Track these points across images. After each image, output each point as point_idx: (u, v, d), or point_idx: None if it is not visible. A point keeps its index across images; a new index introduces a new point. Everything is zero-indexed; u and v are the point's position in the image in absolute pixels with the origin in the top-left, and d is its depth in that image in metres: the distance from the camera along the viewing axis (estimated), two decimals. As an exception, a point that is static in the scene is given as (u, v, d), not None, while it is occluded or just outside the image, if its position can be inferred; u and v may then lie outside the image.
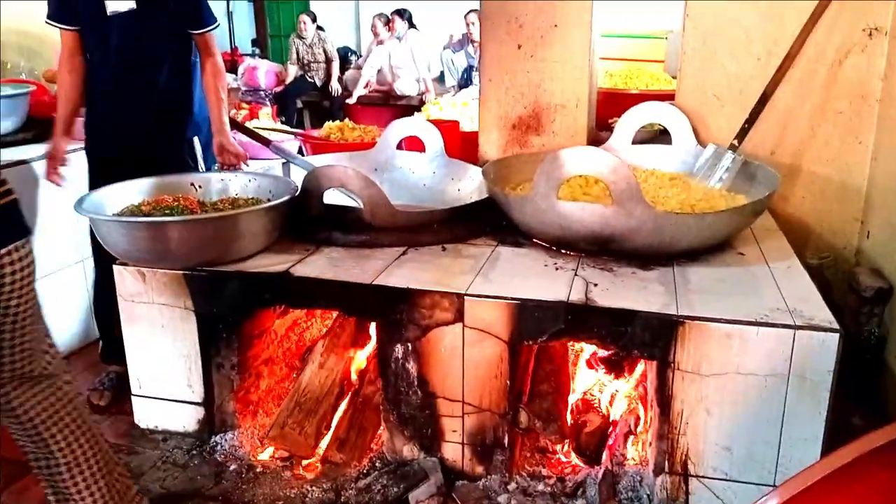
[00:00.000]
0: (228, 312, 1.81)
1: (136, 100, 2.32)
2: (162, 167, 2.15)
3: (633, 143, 2.39)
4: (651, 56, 6.21)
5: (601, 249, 1.76)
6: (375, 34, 7.02)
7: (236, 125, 2.53)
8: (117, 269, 1.83)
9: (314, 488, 1.72)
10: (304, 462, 1.80)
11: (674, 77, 3.72)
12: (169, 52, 2.30)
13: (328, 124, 3.72)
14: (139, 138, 2.28)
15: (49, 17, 2.30)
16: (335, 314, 2.10)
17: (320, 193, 1.91)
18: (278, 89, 7.19)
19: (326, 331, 2.08)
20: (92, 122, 2.38)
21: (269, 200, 1.92)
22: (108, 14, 2.23)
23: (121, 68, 2.29)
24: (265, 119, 5.31)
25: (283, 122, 5.93)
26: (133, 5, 2.22)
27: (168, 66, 2.30)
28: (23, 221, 1.45)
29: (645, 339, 1.50)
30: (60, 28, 2.30)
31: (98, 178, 2.26)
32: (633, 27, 6.12)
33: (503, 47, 2.53)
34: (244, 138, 2.60)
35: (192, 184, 2.05)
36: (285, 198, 1.84)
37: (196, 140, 2.38)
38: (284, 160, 2.41)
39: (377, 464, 1.77)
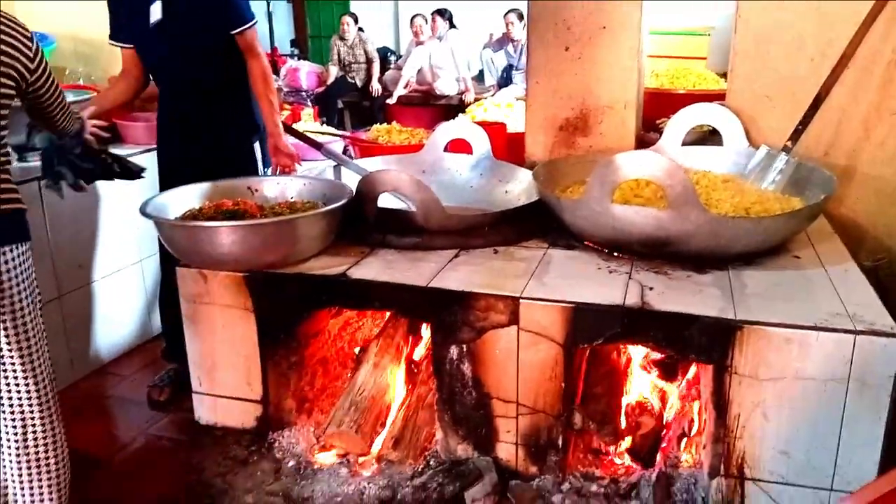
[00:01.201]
0: (287, 313, 1.86)
1: (193, 106, 2.40)
2: (226, 169, 2.22)
3: (683, 144, 2.39)
4: (694, 53, 6.15)
5: (655, 253, 1.77)
6: (416, 34, 7.06)
7: (288, 129, 2.59)
8: (180, 272, 1.89)
9: (371, 485, 1.76)
10: (360, 459, 1.84)
11: (717, 73, 3.71)
12: (213, 57, 2.36)
13: (376, 127, 3.78)
14: (202, 142, 2.37)
15: (111, 38, 2.43)
16: (387, 314, 2.14)
17: (374, 197, 1.95)
18: (319, 90, 7.28)
19: (380, 331, 2.12)
20: (161, 126, 2.49)
21: (324, 203, 1.97)
22: (150, 26, 2.33)
23: (174, 76, 2.39)
24: (307, 120, 5.40)
25: (324, 123, 6.02)
26: (160, 16, 2.31)
27: (215, 71, 2.38)
28: (24, 228, 1.68)
29: (702, 344, 1.51)
30: (119, 47, 2.42)
31: (167, 178, 2.37)
32: (675, 24, 6.08)
33: (550, 49, 2.54)
34: (293, 140, 2.66)
35: (249, 187, 2.11)
36: (342, 201, 1.88)
37: (256, 143, 2.47)
38: (336, 163, 2.46)
39: (432, 462, 1.81)
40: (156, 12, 2.32)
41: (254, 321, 1.86)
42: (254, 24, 2.42)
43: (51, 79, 1.74)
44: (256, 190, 2.11)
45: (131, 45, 2.41)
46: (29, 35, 1.67)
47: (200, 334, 1.93)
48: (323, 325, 2.09)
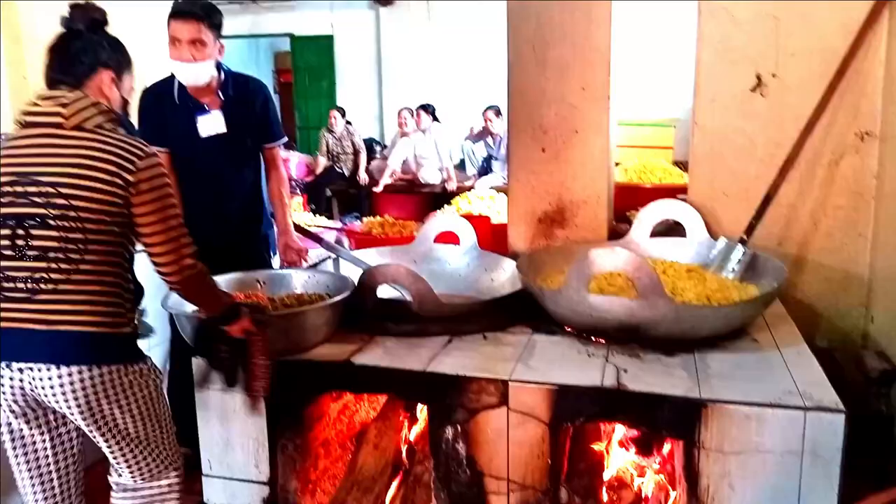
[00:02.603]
0: (295, 398, 2.02)
1: (220, 205, 2.67)
2: (243, 258, 2.52)
3: (651, 235, 2.63)
4: (661, 143, 6.58)
5: (629, 337, 1.96)
6: (401, 126, 7.44)
7: (296, 226, 2.85)
8: (195, 361, 2.05)
9: (372, 561, 1.88)
10: (362, 537, 1.96)
11: (683, 161, 4.01)
12: (247, 165, 2.69)
13: (369, 220, 4.01)
14: (224, 235, 2.61)
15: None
16: (384, 397, 2.29)
17: (374, 288, 2.14)
18: (309, 179, 7.59)
19: (378, 413, 2.27)
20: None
21: (328, 295, 2.15)
22: (202, 137, 2.61)
23: (207, 180, 2.65)
24: (297, 208, 5.64)
25: (313, 211, 6.28)
26: (223, 129, 2.60)
27: (247, 176, 2.68)
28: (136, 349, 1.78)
29: (672, 421, 1.68)
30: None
31: None
32: (642, 115, 6.50)
33: (529, 150, 2.81)
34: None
35: (258, 280, 2.30)
36: (345, 294, 2.07)
37: (269, 235, 2.77)
38: (335, 256, 2.67)
39: (429, 538, 1.93)
40: (209, 125, 2.61)
41: (264, 406, 2.01)
42: (284, 141, 2.87)
43: (156, 203, 1.70)
44: (265, 282, 2.30)
45: (166, 150, 2.66)
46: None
47: (212, 420, 2.07)
48: (325, 409, 2.23)
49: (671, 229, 2.78)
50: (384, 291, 2.20)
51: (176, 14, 2.56)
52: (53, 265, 1.66)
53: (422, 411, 2.28)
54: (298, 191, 7.08)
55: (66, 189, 1.66)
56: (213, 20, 2.60)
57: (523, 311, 2.24)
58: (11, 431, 1.81)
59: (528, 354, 1.97)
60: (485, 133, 7.35)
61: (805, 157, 2.45)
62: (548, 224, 2.85)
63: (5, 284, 1.67)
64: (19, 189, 1.67)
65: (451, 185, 6.92)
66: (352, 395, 2.35)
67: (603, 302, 1.93)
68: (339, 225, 5.15)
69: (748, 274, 2.29)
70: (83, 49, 1.79)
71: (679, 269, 2.34)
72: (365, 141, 8.11)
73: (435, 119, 7.46)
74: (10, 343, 1.68)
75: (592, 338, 2.05)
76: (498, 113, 6.89)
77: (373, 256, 2.69)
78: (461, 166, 7.72)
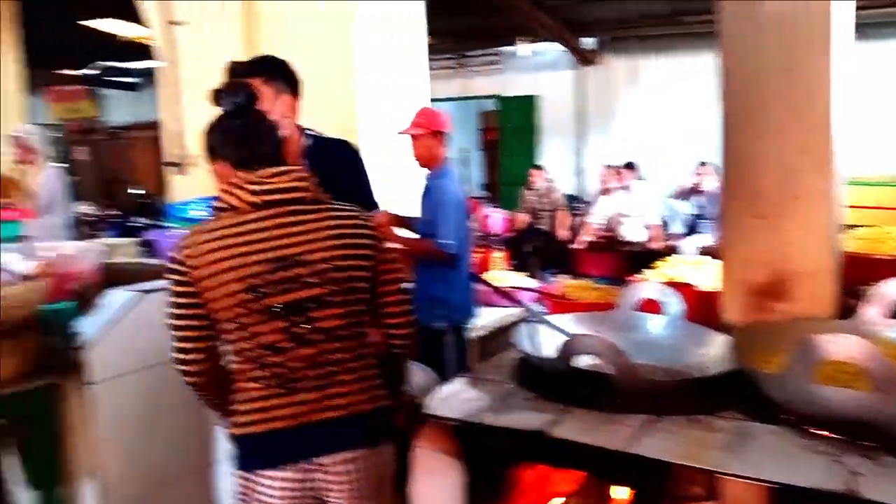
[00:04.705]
0: (491, 465, 2.02)
1: None
2: None
3: (893, 315, 2.33)
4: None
5: (861, 435, 1.74)
6: (604, 183, 7.39)
7: (489, 285, 2.90)
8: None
9: None
10: None
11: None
12: None
13: (568, 282, 3.98)
14: None
15: None
16: (578, 474, 2.22)
17: (572, 357, 2.11)
18: (509, 235, 7.75)
19: (573, 491, 2.21)
20: None
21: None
22: None
23: None
24: (498, 264, 5.74)
25: (513, 268, 6.37)
26: None
27: None
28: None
29: (919, 540, 1.46)
30: None
31: None
32: (873, 172, 5.85)
33: (743, 216, 2.64)
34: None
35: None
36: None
37: None
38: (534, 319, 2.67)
39: None
40: None
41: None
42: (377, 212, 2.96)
43: (392, 264, 1.73)
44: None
45: None
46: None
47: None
48: (520, 478, 2.21)
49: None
50: (582, 360, 2.15)
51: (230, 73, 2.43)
52: (339, 344, 1.65)
53: (617, 492, 2.18)
54: (499, 247, 7.24)
55: (338, 262, 1.64)
56: (269, 74, 2.46)
57: (734, 394, 2.08)
58: None
59: (742, 444, 1.81)
60: (693, 191, 7.06)
61: None
62: (764, 296, 2.63)
63: (292, 377, 1.61)
64: (286, 275, 1.60)
65: (655, 244, 6.69)
66: (546, 467, 2.31)
67: (831, 394, 1.73)
68: (537, 284, 5.17)
69: None
70: (270, 127, 1.77)
71: (926, 358, 2.04)
72: (566, 197, 8.14)
73: (639, 177, 7.31)
74: (302, 439, 1.64)
75: (817, 431, 1.84)
76: (710, 170, 6.61)
77: (570, 322, 2.65)
78: (665, 225, 7.46)
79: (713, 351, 2.40)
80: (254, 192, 1.65)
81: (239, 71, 2.42)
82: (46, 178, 5.60)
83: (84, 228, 6.87)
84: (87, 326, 2.69)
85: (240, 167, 1.71)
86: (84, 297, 2.79)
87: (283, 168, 1.71)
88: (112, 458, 2.73)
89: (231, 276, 1.60)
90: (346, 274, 1.64)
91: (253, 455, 1.65)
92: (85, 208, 8.10)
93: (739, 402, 2.05)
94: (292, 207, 1.66)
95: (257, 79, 2.42)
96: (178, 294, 1.65)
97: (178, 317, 1.66)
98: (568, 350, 2.10)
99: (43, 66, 10.67)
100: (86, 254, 2.96)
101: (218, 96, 1.80)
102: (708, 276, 3.81)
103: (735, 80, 2.61)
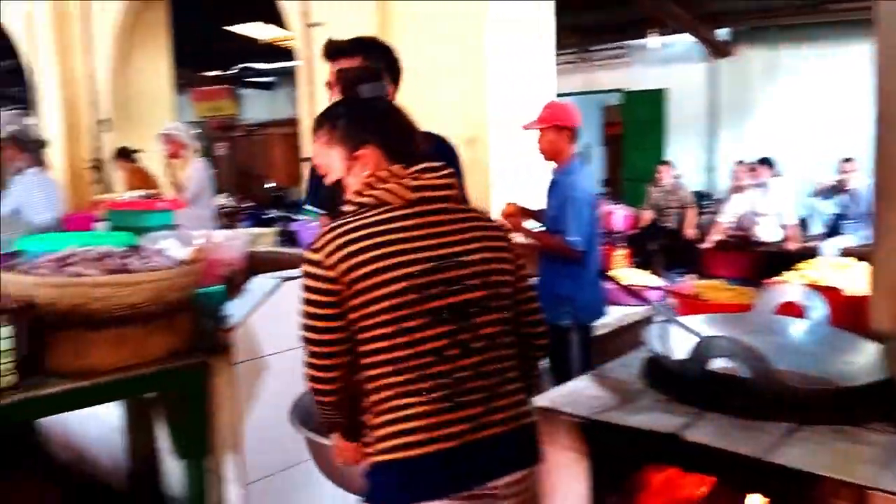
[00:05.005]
0: (619, 466, 2.00)
1: None
2: None
3: None
4: None
5: None
6: (737, 179, 7.05)
7: (618, 283, 2.84)
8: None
9: None
10: None
11: None
12: None
13: (701, 282, 3.84)
14: None
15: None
16: (707, 479, 2.15)
17: (708, 359, 2.04)
18: (632, 232, 7.55)
19: (704, 497, 2.14)
20: None
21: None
22: None
23: None
24: (620, 261, 5.62)
25: (636, 266, 6.21)
26: None
27: None
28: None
29: None
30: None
31: None
32: None
33: (898, 219, 2.45)
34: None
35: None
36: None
37: None
38: (664, 319, 2.60)
39: None
40: None
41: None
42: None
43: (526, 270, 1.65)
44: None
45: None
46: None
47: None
48: (649, 480, 2.17)
49: None
50: (715, 363, 2.08)
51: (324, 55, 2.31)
52: (501, 353, 1.54)
53: (749, 499, 2.10)
54: (622, 244, 7.08)
55: (493, 265, 1.55)
56: (372, 56, 2.28)
57: (885, 405, 1.94)
58: None
59: (893, 459, 1.69)
60: (836, 189, 6.61)
61: None
62: (919, 304, 2.44)
63: (458, 389, 1.44)
64: (447, 275, 1.46)
65: (792, 245, 6.31)
66: (678, 470, 2.26)
67: None
68: (664, 283, 5.01)
69: None
70: (412, 120, 1.63)
71: None
72: (694, 194, 7.84)
73: (775, 174, 6.92)
74: (469, 461, 1.44)
75: (984, 450, 1.69)
76: (855, 167, 6.16)
77: (703, 323, 2.56)
78: (803, 225, 7.02)
79: (861, 359, 2.25)
80: (411, 188, 1.51)
81: (342, 49, 2.29)
82: (194, 170, 6.02)
83: (223, 219, 7.35)
84: (234, 310, 2.88)
85: (395, 159, 1.57)
86: (232, 282, 2.99)
87: (433, 164, 1.58)
88: (252, 434, 2.91)
89: (391, 275, 1.43)
90: (500, 278, 1.54)
91: (411, 484, 1.42)
92: (223, 200, 8.66)
93: (891, 415, 1.92)
94: (442, 205, 1.55)
95: (357, 58, 2.28)
96: (318, 303, 1.46)
97: (318, 329, 1.47)
98: (703, 352, 2.04)
99: (188, 68, 11.49)
100: (233, 242, 3.17)
101: (356, 82, 1.63)
102: (854, 279, 3.55)
103: (889, 73, 2.42)
